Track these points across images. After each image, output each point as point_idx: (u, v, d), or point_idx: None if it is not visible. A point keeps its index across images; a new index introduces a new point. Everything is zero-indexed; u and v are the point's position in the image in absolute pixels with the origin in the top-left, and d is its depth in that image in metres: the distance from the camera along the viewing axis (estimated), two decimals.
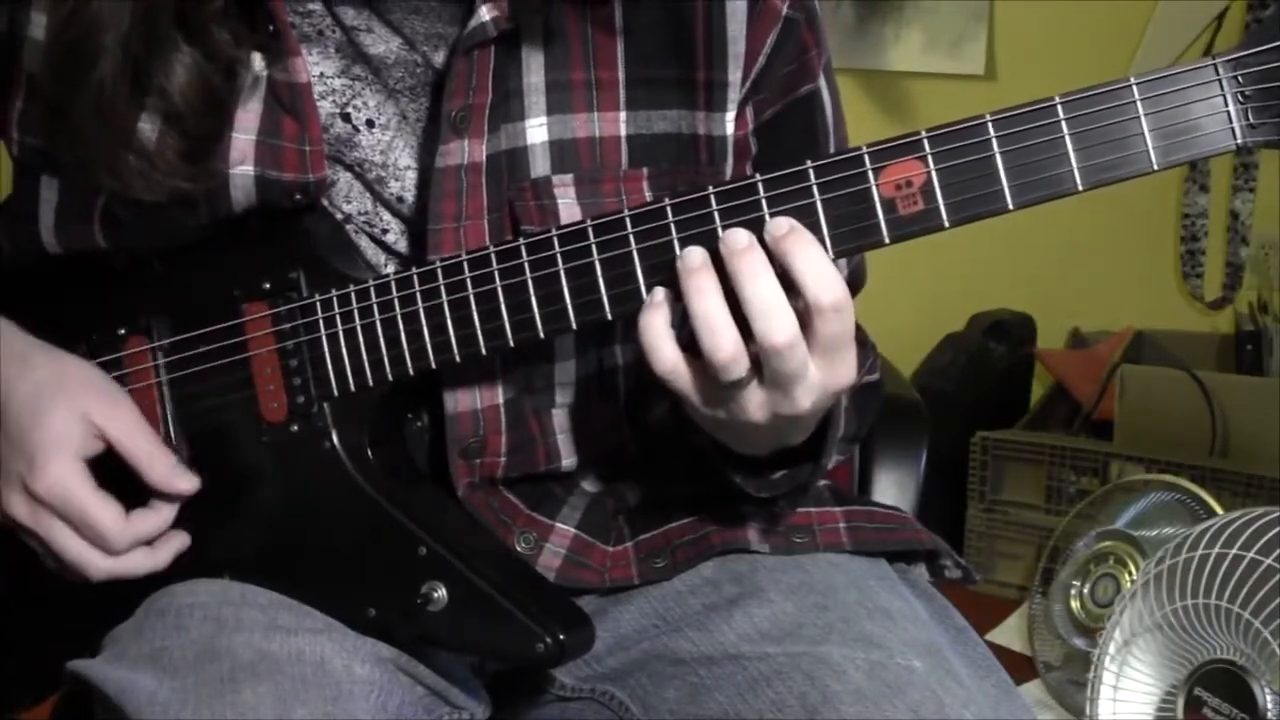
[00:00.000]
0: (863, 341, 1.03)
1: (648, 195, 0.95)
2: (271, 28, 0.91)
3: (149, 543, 0.94)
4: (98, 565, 0.93)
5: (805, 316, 0.79)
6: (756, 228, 0.81)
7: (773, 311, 0.78)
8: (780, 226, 0.80)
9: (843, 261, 1.05)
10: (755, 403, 0.82)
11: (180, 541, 0.95)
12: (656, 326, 0.81)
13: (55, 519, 0.92)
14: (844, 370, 0.81)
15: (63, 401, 0.93)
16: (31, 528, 0.93)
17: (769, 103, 0.98)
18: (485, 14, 0.89)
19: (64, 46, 0.91)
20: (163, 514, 0.94)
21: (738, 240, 0.80)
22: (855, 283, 1.11)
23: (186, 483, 0.94)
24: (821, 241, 0.81)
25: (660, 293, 0.82)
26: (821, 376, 0.81)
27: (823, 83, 1.01)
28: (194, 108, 0.90)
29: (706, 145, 0.96)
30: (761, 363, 0.80)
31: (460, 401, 0.95)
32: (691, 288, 0.80)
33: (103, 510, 0.92)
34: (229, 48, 0.90)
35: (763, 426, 0.83)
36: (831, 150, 1.02)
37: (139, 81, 0.90)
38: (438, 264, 0.89)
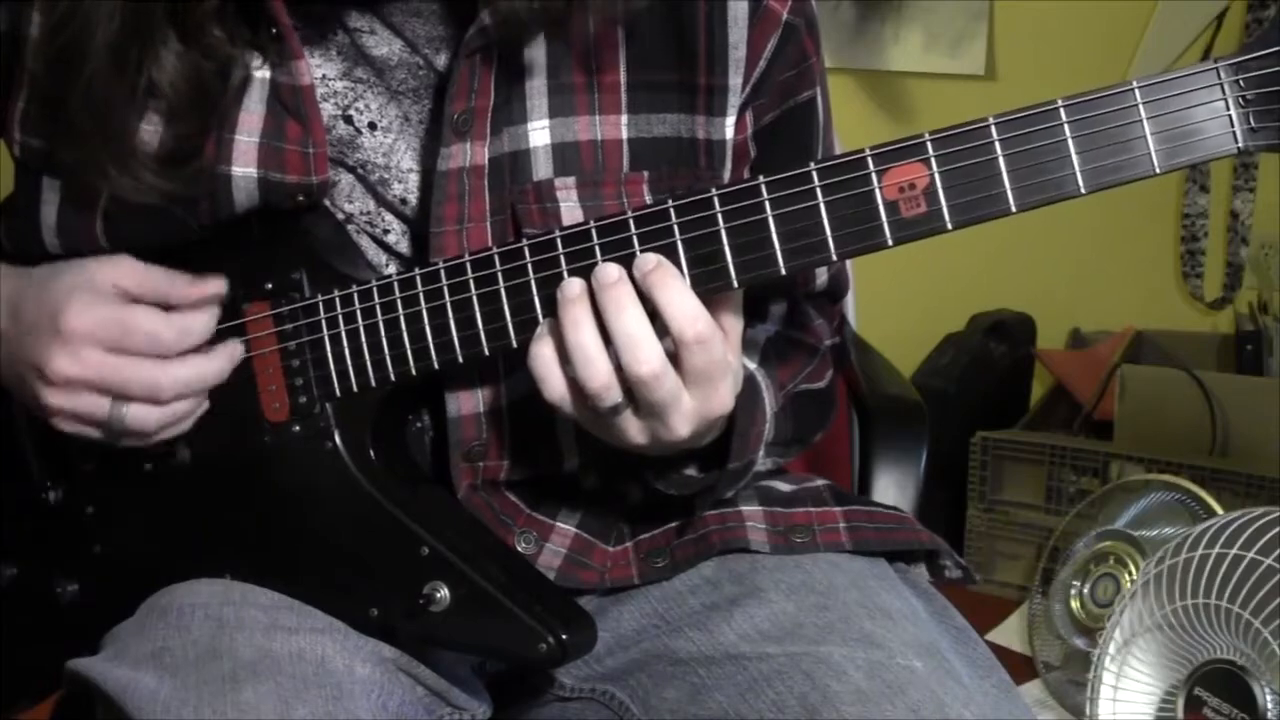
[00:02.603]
0: (813, 349, 1.03)
1: (648, 198, 0.95)
2: (274, 30, 0.91)
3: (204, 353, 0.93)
4: (163, 379, 0.91)
5: (673, 349, 0.82)
6: (759, 230, 0.81)
7: (638, 343, 0.81)
8: (647, 263, 0.83)
9: (824, 269, 1.06)
10: (634, 428, 0.85)
11: (235, 348, 0.94)
12: (546, 356, 0.84)
13: (101, 352, 0.90)
14: (719, 399, 0.84)
15: (67, 269, 0.93)
16: (80, 375, 0.90)
17: (768, 107, 0.98)
18: (487, 18, 0.89)
19: (57, 45, 0.91)
20: (205, 314, 0.93)
21: (607, 275, 0.83)
22: (836, 290, 1.11)
23: (213, 284, 0.94)
24: (825, 243, 0.82)
25: (549, 323, 0.85)
26: (696, 405, 0.84)
27: (819, 90, 1.01)
28: (184, 98, 0.90)
29: (706, 149, 0.96)
30: (633, 392, 0.83)
31: (463, 404, 0.95)
32: (567, 320, 0.83)
33: (141, 313, 0.91)
34: (224, 46, 0.90)
35: (649, 448, 0.87)
36: (820, 155, 1.02)
37: (131, 80, 0.90)
38: (440, 264, 0.89)
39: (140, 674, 0.87)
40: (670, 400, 0.83)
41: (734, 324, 0.87)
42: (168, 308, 0.93)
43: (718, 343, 0.83)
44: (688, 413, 0.84)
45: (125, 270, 0.93)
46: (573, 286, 0.83)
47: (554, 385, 0.84)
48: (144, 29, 0.89)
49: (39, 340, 0.91)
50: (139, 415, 0.92)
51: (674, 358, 0.82)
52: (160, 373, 0.91)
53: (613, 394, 0.83)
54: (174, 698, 0.84)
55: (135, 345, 0.91)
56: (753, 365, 0.96)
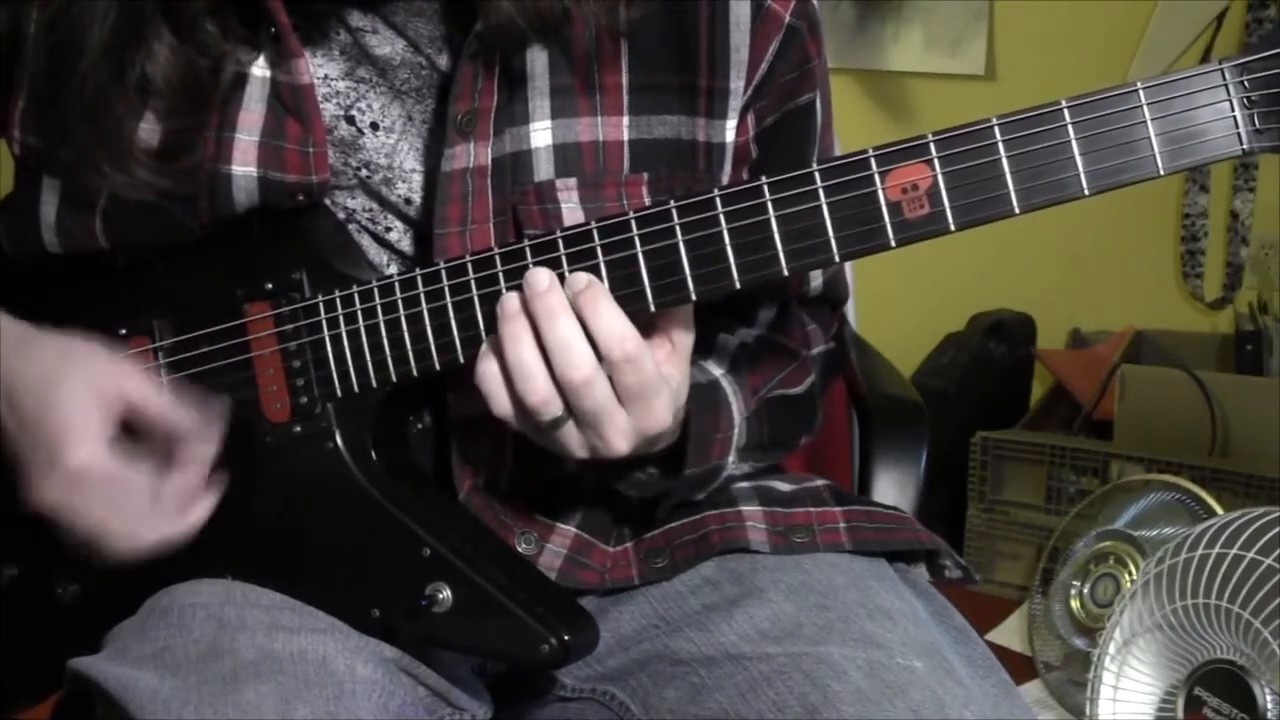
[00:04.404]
0: (792, 354, 1.03)
1: (646, 200, 0.95)
2: (273, 29, 0.91)
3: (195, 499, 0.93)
4: (139, 537, 0.91)
5: (604, 368, 0.83)
6: (762, 230, 0.81)
7: (569, 349, 0.82)
8: (578, 282, 0.84)
9: (818, 273, 1.06)
10: (574, 441, 0.86)
11: (211, 497, 0.94)
12: (491, 373, 0.85)
13: (90, 498, 0.90)
14: (654, 417, 0.85)
15: (70, 381, 0.91)
16: (67, 512, 0.91)
17: (769, 110, 0.98)
18: (481, 24, 0.89)
19: (52, 41, 0.91)
20: (193, 471, 0.93)
21: (538, 284, 0.84)
22: (835, 296, 1.11)
23: (206, 446, 0.93)
24: (827, 244, 0.82)
25: (491, 340, 0.86)
26: (633, 421, 0.85)
27: (819, 92, 1.01)
28: (177, 93, 0.90)
29: (705, 152, 0.96)
30: (569, 402, 0.83)
31: (465, 405, 0.95)
32: (506, 335, 0.84)
33: (136, 480, 0.91)
34: (217, 42, 0.90)
35: (590, 460, 0.87)
36: (814, 158, 1.02)
37: (125, 75, 0.90)
38: (441, 264, 0.89)
39: (141, 673, 0.87)
40: (604, 411, 0.84)
41: (683, 337, 0.87)
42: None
43: (648, 361, 0.83)
44: (623, 428, 0.85)
45: (131, 389, 0.92)
46: (511, 302, 0.84)
47: (500, 401, 0.85)
48: (137, 24, 0.89)
49: (38, 459, 0.91)
50: (111, 551, 0.92)
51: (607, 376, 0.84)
52: (142, 530, 0.91)
53: (552, 408, 0.84)
54: (175, 697, 0.84)
55: (121, 507, 0.91)
56: (718, 372, 0.97)
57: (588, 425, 0.85)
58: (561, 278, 0.84)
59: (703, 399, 0.93)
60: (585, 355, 0.82)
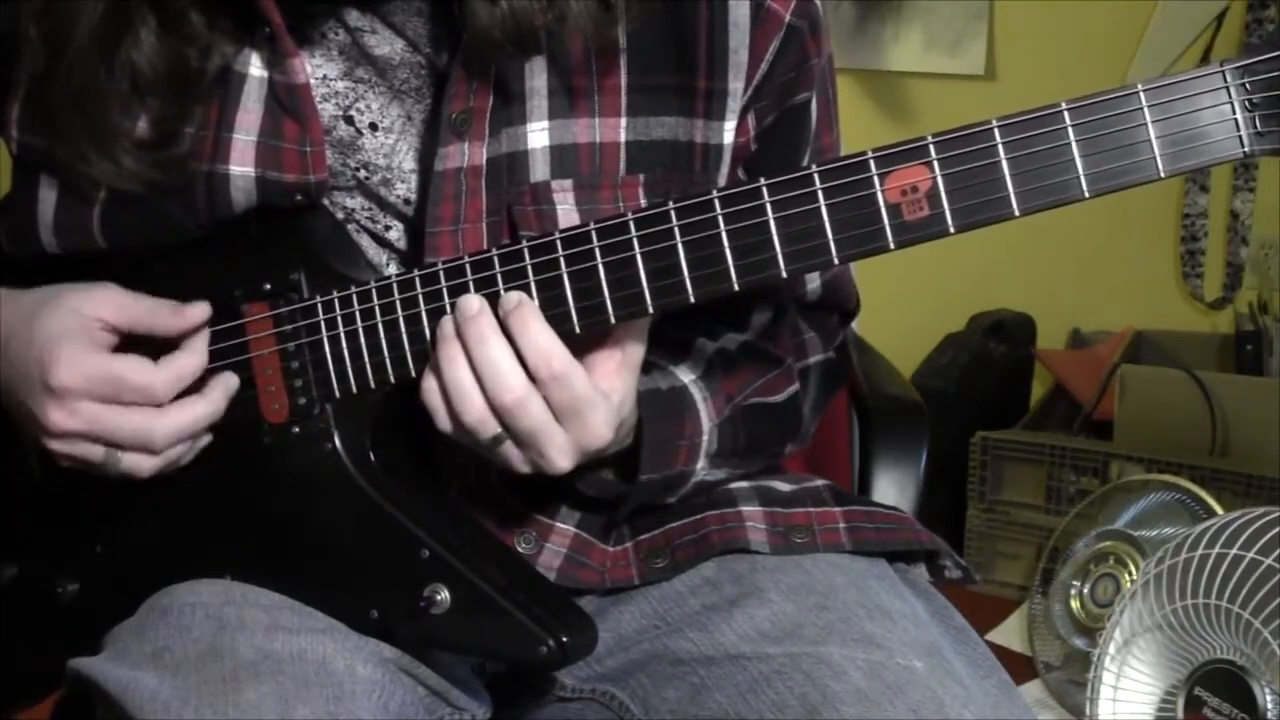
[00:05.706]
0: (776, 361, 1.03)
1: (642, 201, 0.95)
2: (268, 29, 0.91)
3: (198, 391, 0.93)
4: (157, 429, 0.91)
5: (536, 386, 0.84)
6: (760, 232, 0.81)
7: (500, 373, 0.84)
8: (508, 302, 0.85)
9: (815, 276, 1.05)
10: (516, 458, 0.87)
11: (229, 380, 0.94)
12: (433, 390, 0.87)
13: (93, 404, 0.90)
14: (590, 432, 0.86)
15: (51, 309, 0.92)
16: (75, 428, 0.90)
17: (769, 110, 0.98)
18: (465, 35, 0.89)
19: (42, 32, 0.92)
20: (195, 352, 0.93)
21: (468, 308, 0.85)
22: (842, 303, 1.11)
23: (197, 310, 0.93)
24: (826, 246, 0.81)
25: (433, 358, 0.87)
26: (572, 437, 0.86)
27: (815, 92, 1.01)
28: (162, 81, 0.91)
29: (701, 153, 0.96)
30: (504, 422, 0.85)
31: None
32: (443, 356, 0.85)
33: (131, 366, 0.91)
34: (202, 32, 0.90)
35: (538, 475, 0.88)
36: (805, 158, 1.02)
37: (113, 66, 0.90)
38: (439, 265, 0.89)
39: (141, 674, 0.87)
40: (540, 430, 0.85)
41: (634, 349, 0.88)
42: (154, 342, 0.93)
43: (577, 378, 0.84)
44: (563, 446, 0.86)
45: (108, 304, 0.93)
46: (446, 325, 0.86)
47: (441, 418, 0.87)
48: (125, 13, 0.89)
49: (32, 391, 0.91)
50: (134, 462, 0.92)
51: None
52: (154, 423, 0.91)
53: (489, 427, 0.85)
54: (174, 698, 0.84)
55: (128, 399, 0.91)
56: (687, 378, 0.97)
57: (525, 444, 0.86)
58: (496, 296, 0.86)
59: (665, 405, 0.94)
60: (515, 377, 0.84)
